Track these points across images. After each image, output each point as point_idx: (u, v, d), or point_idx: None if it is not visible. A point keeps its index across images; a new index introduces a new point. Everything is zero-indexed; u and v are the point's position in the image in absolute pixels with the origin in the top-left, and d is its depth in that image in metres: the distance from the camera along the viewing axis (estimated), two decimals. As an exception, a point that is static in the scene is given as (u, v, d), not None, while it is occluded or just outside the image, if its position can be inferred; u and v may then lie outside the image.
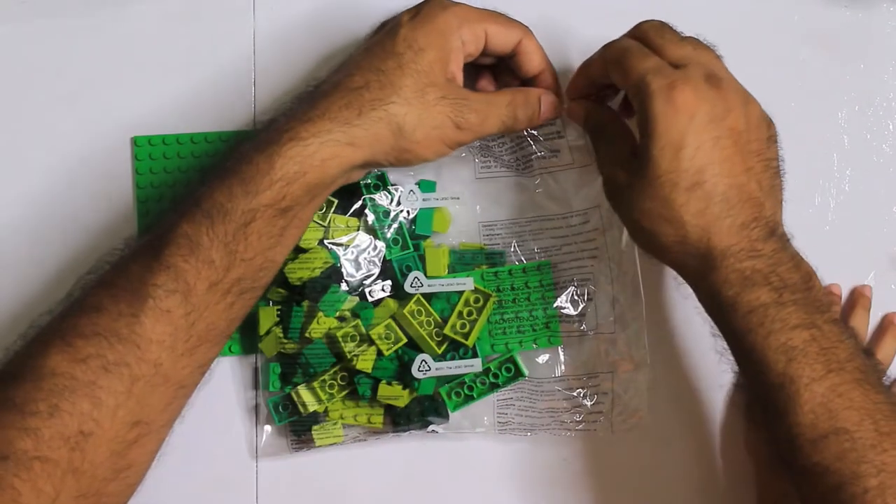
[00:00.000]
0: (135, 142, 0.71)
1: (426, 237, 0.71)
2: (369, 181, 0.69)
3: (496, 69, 0.69)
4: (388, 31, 0.63)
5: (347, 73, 0.62)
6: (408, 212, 0.70)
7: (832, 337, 0.58)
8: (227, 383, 0.71)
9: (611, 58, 0.63)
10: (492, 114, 0.64)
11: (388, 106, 0.60)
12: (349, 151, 0.60)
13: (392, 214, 0.69)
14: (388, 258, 0.69)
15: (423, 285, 0.68)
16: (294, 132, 0.59)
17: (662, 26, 0.63)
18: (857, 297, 0.73)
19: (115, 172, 0.71)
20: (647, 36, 0.63)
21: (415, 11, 0.63)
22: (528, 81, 0.67)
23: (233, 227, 0.58)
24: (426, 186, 0.71)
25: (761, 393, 0.59)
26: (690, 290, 0.63)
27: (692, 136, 0.59)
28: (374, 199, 0.69)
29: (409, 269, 0.69)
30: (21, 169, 0.71)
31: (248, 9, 0.73)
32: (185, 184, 0.70)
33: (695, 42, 0.63)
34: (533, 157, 0.70)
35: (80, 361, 0.55)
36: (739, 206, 0.59)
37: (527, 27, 0.66)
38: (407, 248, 0.69)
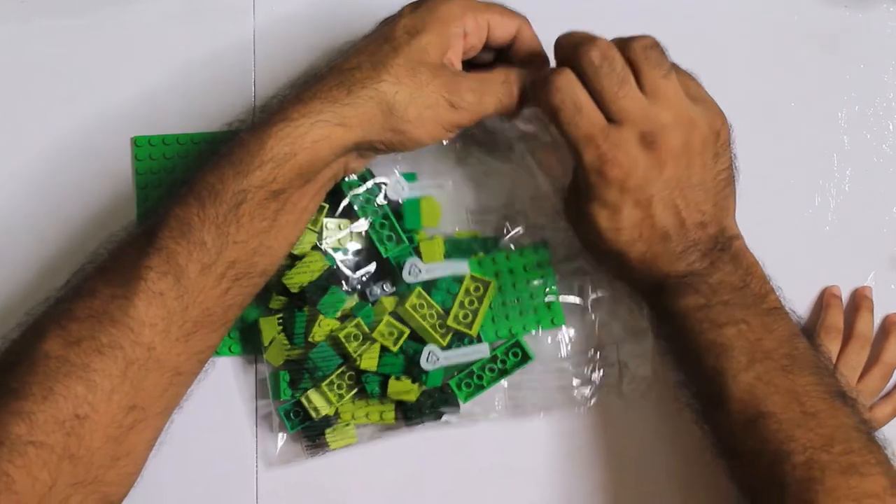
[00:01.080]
0: (135, 142, 0.71)
1: (416, 230, 0.70)
2: (353, 177, 0.69)
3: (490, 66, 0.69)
4: (388, 20, 0.63)
5: (343, 58, 0.62)
6: (396, 203, 0.69)
7: (759, 330, 0.61)
8: (230, 393, 0.71)
9: (546, 107, 0.62)
10: (488, 92, 0.63)
11: (379, 84, 0.60)
12: (340, 132, 0.60)
13: (380, 211, 0.69)
14: (384, 256, 0.69)
15: (421, 272, 0.68)
16: (284, 113, 0.59)
17: (601, 62, 0.61)
18: (861, 300, 0.72)
19: (115, 172, 0.71)
20: (586, 75, 0.61)
21: (417, 3, 0.63)
22: None
23: (224, 208, 0.58)
24: (406, 179, 0.70)
25: (699, 388, 0.63)
26: None
27: (627, 199, 0.61)
28: (359, 197, 0.69)
29: (407, 264, 0.69)
30: (21, 169, 0.71)
31: (248, 8, 0.73)
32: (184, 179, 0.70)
33: (643, 60, 0.61)
34: (513, 139, 0.70)
35: (73, 344, 0.55)
36: (678, 238, 0.62)
37: (525, 17, 0.66)
38: (402, 242, 0.69)
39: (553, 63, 0.66)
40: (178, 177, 0.70)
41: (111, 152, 0.71)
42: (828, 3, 0.75)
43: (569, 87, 0.61)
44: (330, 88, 0.60)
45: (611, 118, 0.61)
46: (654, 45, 0.62)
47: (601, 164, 0.61)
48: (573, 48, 0.62)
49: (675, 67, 0.63)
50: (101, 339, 0.55)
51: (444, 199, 0.71)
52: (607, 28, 0.74)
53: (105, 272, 0.58)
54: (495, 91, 0.63)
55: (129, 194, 0.71)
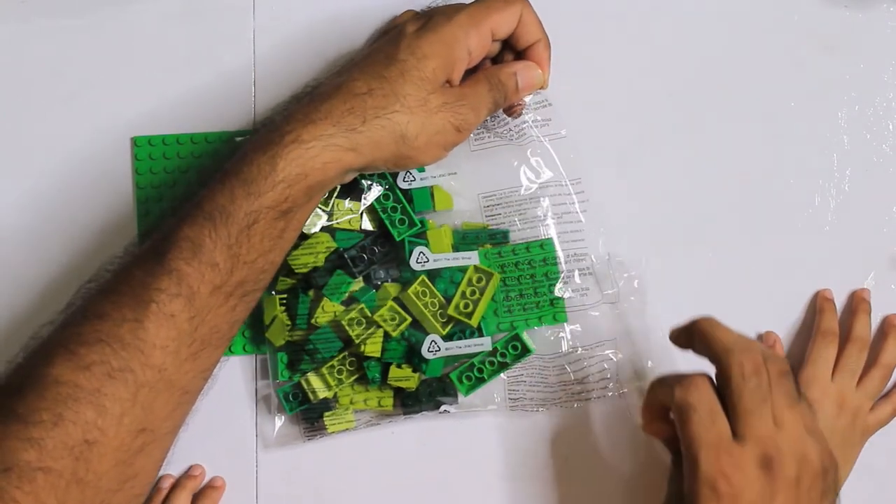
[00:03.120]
0: (135, 142, 0.71)
1: (427, 211, 0.70)
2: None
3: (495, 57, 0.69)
4: (390, 38, 0.63)
5: (350, 77, 0.61)
6: (406, 191, 0.70)
7: None
8: (232, 372, 0.71)
9: (679, 403, 0.59)
10: (482, 104, 0.64)
11: (392, 115, 0.60)
12: (351, 157, 0.60)
13: (392, 196, 0.69)
14: (397, 239, 0.69)
15: (428, 260, 0.68)
16: (296, 134, 0.59)
17: (751, 377, 0.57)
18: (859, 303, 0.72)
19: (115, 172, 0.71)
20: (730, 382, 0.58)
21: (420, 23, 0.63)
22: (521, 52, 0.67)
23: (235, 229, 0.58)
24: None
25: None
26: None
27: None
28: (371, 183, 0.69)
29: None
30: (21, 169, 0.71)
31: (248, 9, 0.73)
32: (184, 186, 0.70)
33: (775, 385, 0.58)
34: (525, 125, 0.71)
35: (83, 369, 0.55)
36: None
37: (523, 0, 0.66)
38: (414, 226, 0.69)
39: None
40: (179, 180, 0.70)
41: (111, 152, 0.71)
42: (828, 3, 0.75)
43: (707, 390, 0.58)
44: (343, 113, 0.60)
45: (735, 431, 0.58)
46: (788, 374, 0.59)
47: (716, 477, 0.57)
48: (724, 351, 0.59)
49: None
50: (112, 363, 0.55)
51: (455, 186, 0.71)
52: (606, 26, 0.74)
53: (113, 293, 0.57)
54: (486, 101, 0.65)
55: (129, 194, 0.71)
